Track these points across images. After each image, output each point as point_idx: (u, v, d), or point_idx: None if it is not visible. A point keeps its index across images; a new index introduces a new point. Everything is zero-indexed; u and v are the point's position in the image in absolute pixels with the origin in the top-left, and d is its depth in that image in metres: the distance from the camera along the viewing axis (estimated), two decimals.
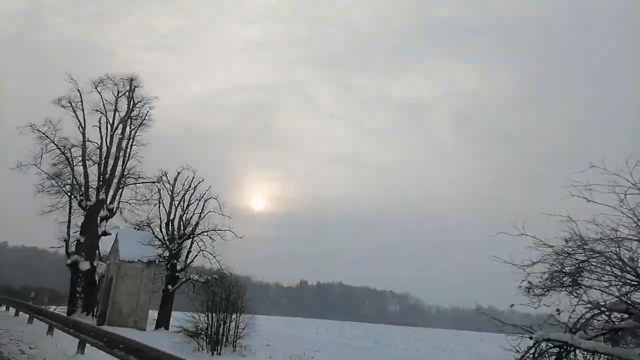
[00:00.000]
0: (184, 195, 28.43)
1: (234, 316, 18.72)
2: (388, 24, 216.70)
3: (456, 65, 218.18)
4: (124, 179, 33.47)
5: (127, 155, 33.37)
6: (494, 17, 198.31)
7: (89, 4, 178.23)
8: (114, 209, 32.96)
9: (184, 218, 28.38)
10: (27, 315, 24.06)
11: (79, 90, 32.59)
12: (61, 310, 32.42)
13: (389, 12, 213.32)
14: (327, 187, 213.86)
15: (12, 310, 30.65)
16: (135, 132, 33.89)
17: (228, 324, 18.41)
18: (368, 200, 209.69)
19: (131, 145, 33.62)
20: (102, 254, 32.92)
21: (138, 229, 29.75)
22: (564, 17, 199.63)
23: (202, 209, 28.04)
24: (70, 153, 32.43)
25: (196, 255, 27.69)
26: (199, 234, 27.48)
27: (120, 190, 33.39)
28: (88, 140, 32.88)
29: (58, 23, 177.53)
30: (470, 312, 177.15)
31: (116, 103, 33.57)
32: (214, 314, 18.28)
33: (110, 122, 33.28)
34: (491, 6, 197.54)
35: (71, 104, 32.40)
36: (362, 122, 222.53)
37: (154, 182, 30.90)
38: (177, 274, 27.02)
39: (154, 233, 27.36)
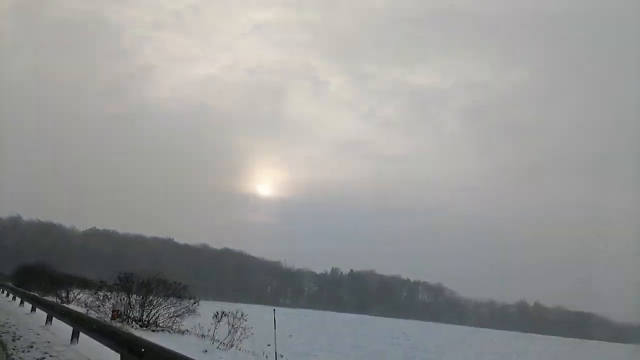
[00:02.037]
0: None
1: None
2: (401, 11, 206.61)
3: (469, 56, 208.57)
4: None
5: None
6: (509, 9, 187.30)
7: None
8: None
9: None
10: None
11: None
12: None
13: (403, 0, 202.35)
14: (336, 174, 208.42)
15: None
16: None
17: None
18: (377, 188, 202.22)
19: None
20: None
21: None
22: (580, 9, 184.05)
23: None
24: None
25: None
26: None
27: None
28: None
29: None
30: (511, 307, 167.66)
31: None
32: None
33: None
34: None
35: None
36: (374, 110, 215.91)
37: None
38: None
39: None
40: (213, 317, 13.13)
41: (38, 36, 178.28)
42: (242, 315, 13.29)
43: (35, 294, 21.67)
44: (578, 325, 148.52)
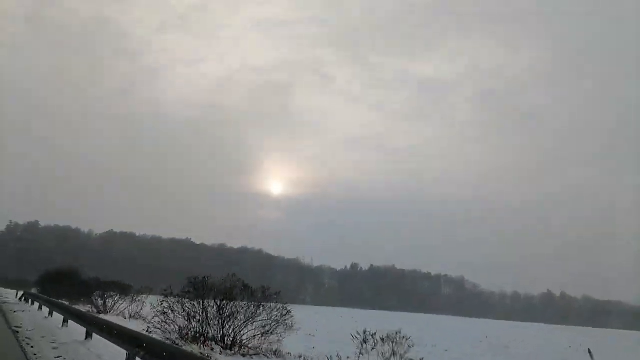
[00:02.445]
0: None
1: None
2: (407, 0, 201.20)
3: (478, 42, 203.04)
4: None
5: None
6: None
7: None
8: None
9: None
10: None
11: None
12: None
13: None
14: (346, 170, 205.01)
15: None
16: None
17: None
18: (388, 182, 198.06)
19: None
20: None
21: None
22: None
23: None
24: None
25: None
26: None
27: None
28: None
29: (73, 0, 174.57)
30: (535, 298, 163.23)
31: None
32: None
33: None
34: None
35: None
36: (382, 103, 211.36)
37: None
38: None
39: None
40: (362, 341, 9.24)
41: (45, 39, 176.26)
42: (406, 339, 9.48)
43: (64, 302, 18.06)
44: (605, 315, 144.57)
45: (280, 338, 12.65)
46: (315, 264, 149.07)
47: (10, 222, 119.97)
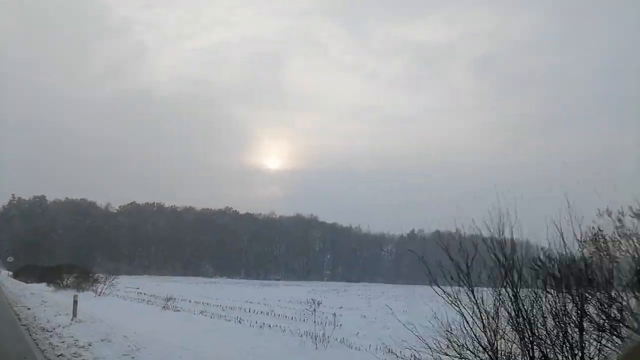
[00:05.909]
0: None
1: None
2: None
3: (475, 2, 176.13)
4: None
5: None
6: None
7: None
8: None
9: None
10: None
11: None
12: None
13: None
14: (343, 142, 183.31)
15: None
16: None
17: None
18: (390, 153, 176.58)
19: None
20: None
21: None
22: None
23: None
24: None
25: None
26: None
27: None
28: None
29: None
30: None
31: None
32: None
33: None
34: None
35: None
36: (377, 72, 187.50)
37: None
38: None
39: None
40: None
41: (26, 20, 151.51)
42: None
43: None
44: None
45: None
46: (373, 232, 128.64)
47: (13, 197, 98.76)
